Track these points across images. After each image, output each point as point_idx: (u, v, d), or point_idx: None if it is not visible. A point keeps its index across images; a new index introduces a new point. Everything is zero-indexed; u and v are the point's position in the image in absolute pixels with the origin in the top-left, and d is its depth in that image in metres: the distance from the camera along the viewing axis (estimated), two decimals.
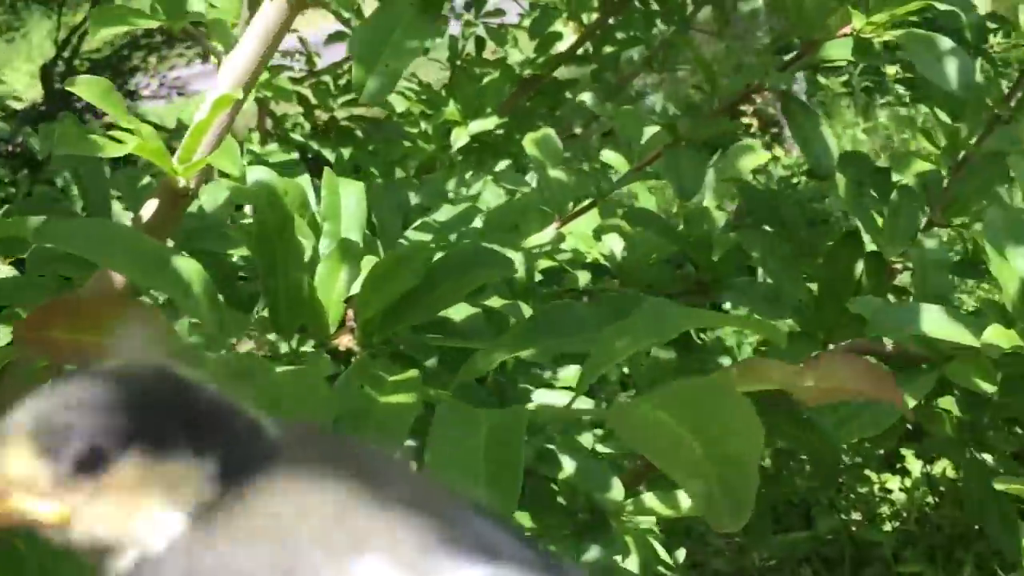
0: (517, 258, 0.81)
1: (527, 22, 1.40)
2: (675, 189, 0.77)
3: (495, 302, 0.67)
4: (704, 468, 0.38)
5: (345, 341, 0.55)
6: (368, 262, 0.58)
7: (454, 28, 1.49)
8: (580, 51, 1.34)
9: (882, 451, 1.54)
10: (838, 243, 0.76)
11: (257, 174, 0.49)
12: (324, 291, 0.54)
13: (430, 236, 0.67)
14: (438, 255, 0.57)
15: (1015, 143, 0.76)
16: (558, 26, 1.39)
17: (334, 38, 1.43)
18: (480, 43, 1.49)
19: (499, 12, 1.50)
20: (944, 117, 0.75)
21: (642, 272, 0.94)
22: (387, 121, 1.26)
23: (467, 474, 0.43)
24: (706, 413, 0.40)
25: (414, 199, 0.89)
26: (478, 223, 0.91)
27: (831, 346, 0.74)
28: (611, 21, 1.35)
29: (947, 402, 0.88)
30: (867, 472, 1.62)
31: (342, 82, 1.45)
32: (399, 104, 1.23)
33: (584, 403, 0.59)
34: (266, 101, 1.28)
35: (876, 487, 1.64)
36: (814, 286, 0.80)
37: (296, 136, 1.39)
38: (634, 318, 0.49)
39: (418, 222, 0.70)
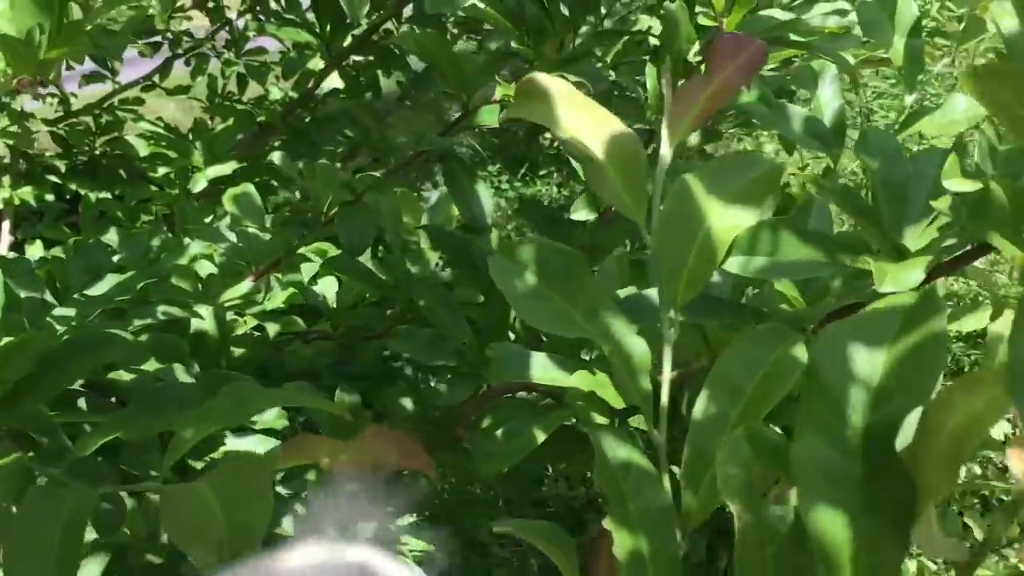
0: (207, 313, 0.86)
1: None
2: (345, 246, 0.83)
3: (151, 365, 0.71)
4: (221, 536, 0.45)
5: None
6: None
7: (214, 66, 1.52)
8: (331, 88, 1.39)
9: None
10: (493, 287, 0.83)
11: None
12: None
13: (74, 312, 0.71)
14: (65, 338, 0.61)
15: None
16: (319, 62, 1.44)
17: (89, 80, 1.44)
18: (242, 80, 1.53)
19: (261, 51, 1.53)
20: None
21: (353, 315, 1.00)
22: (135, 164, 1.29)
23: (42, 555, 0.48)
24: (234, 489, 0.46)
25: (134, 250, 0.93)
26: (211, 269, 0.96)
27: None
28: (371, 59, 1.40)
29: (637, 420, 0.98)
30: None
31: (103, 120, 1.47)
32: (142, 148, 1.25)
33: None
34: (18, 143, 1.29)
35: None
36: None
37: (52, 178, 1.39)
38: (215, 401, 0.54)
39: (74, 296, 0.74)
